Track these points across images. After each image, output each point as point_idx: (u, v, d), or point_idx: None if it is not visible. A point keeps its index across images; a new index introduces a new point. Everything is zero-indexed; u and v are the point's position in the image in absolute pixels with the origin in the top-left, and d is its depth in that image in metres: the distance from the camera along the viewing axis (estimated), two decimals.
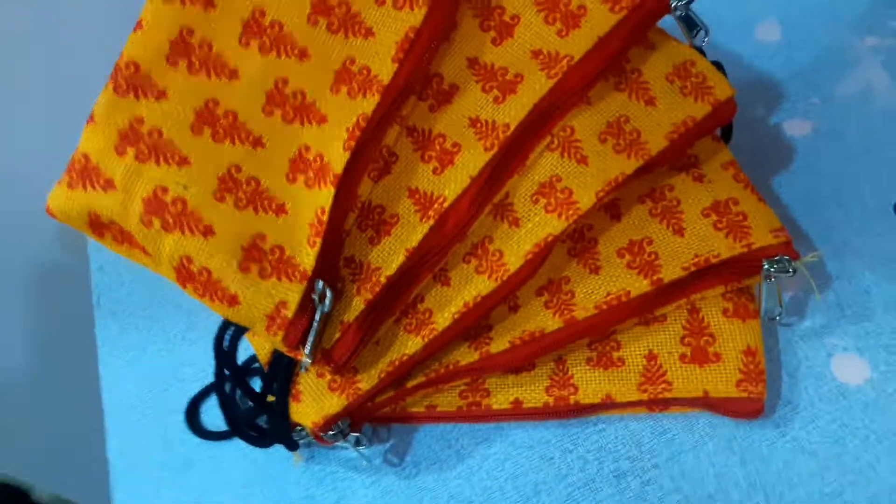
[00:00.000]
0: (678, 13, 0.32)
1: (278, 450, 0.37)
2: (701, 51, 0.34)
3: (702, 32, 0.33)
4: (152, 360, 0.43)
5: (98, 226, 0.30)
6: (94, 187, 0.29)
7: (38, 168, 0.50)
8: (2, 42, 0.47)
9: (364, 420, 0.35)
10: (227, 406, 0.35)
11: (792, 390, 0.33)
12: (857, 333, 0.34)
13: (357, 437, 0.33)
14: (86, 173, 0.29)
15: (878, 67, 0.43)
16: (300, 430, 0.34)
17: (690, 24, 0.33)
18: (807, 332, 0.35)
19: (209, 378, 0.41)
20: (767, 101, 0.43)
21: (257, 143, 0.30)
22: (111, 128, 0.29)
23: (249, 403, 0.36)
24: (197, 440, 0.39)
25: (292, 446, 0.34)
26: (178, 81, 0.30)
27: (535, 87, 0.31)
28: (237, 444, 0.38)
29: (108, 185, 0.29)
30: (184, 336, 0.44)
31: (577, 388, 0.33)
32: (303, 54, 0.30)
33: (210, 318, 0.44)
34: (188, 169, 0.29)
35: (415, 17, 0.30)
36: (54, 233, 0.55)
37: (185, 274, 0.29)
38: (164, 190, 0.29)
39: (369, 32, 0.30)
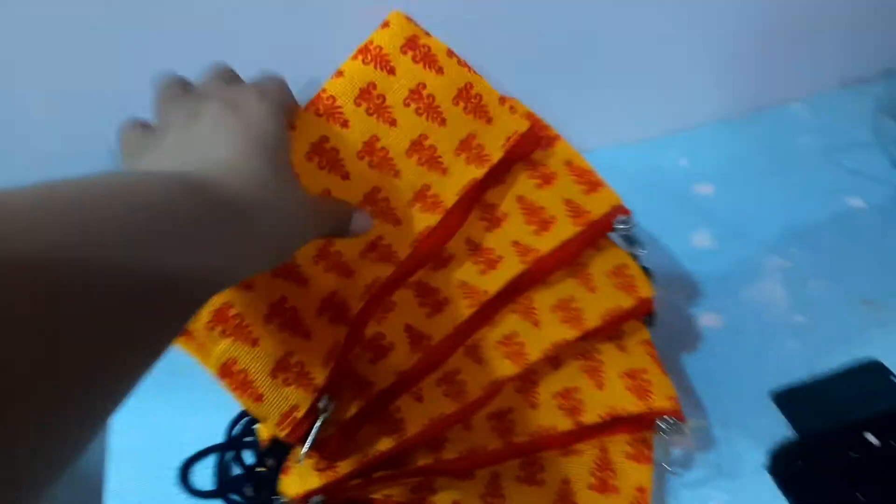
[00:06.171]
0: (621, 233, 0.44)
1: None
2: (634, 258, 0.46)
3: (638, 246, 0.45)
4: (159, 422, 0.51)
5: None
6: None
7: None
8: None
9: (334, 500, 0.43)
10: (222, 472, 0.43)
11: None
12: (727, 488, 0.44)
13: None
14: None
15: (778, 283, 0.55)
16: (279, 498, 0.42)
17: (630, 240, 0.44)
18: (690, 482, 0.44)
19: (204, 444, 0.49)
20: (690, 295, 0.55)
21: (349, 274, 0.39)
22: (307, 135, 0.37)
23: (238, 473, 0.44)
24: (184, 494, 0.47)
25: None
26: (358, 116, 0.38)
27: (511, 267, 0.42)
28: None
29: None
30: (188, 407, 0.52)
31: (505, 498, 0.42)
32: (396, 174, 0.40)
33: (215, 397, 0.52)
34: None
35: (478, 172, 0.40)
36: None
37: (226, 371, 0.38)
38: None
39: (445, 171, 0.40)
